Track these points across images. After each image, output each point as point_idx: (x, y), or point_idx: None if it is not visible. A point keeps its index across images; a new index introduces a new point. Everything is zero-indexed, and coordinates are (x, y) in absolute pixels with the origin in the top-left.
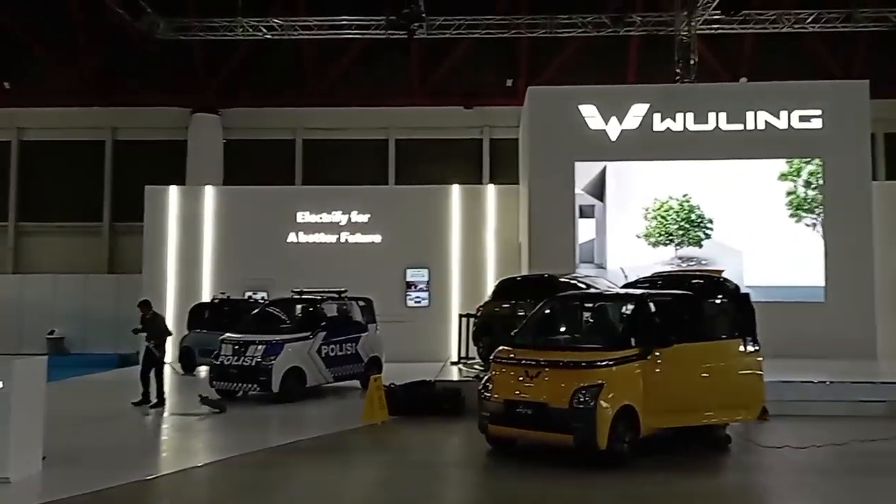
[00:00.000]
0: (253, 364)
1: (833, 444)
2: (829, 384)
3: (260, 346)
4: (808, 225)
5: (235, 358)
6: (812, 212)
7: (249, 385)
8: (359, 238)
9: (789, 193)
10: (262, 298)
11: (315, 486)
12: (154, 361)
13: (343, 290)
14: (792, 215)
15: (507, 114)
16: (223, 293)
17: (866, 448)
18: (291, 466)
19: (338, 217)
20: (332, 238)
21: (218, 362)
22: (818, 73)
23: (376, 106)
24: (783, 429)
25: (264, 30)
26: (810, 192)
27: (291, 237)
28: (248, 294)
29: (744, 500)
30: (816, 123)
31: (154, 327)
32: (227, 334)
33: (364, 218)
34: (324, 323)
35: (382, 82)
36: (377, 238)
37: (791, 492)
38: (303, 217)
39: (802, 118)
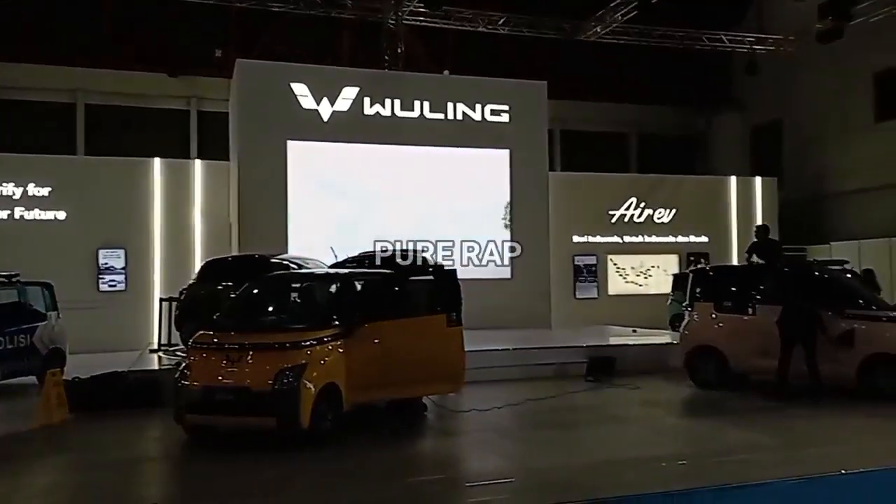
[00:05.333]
0: None
1: (510, 404)
2: (511, 351)
3: None
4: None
5: None
6: None
7: None
8: (37, 215)
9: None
10: None
11: None
12: None
13: (15, 273)
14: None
15: (217, 85)
16: None
17: (538, 406)
18: None
19: (10, 190)
20: (2, 214)
21: None
22: (508, 71)
23: (61, 64)
24: (471, 394)
25: None
26: None
27: None
28: None
29: (438, 461)
30: (504, 118)
31: None
32: None
33: (44, 192)
34: None
35: (69, 38)
36: (61, 215)
37: (476, 449)
38: None
39: (493, 112)
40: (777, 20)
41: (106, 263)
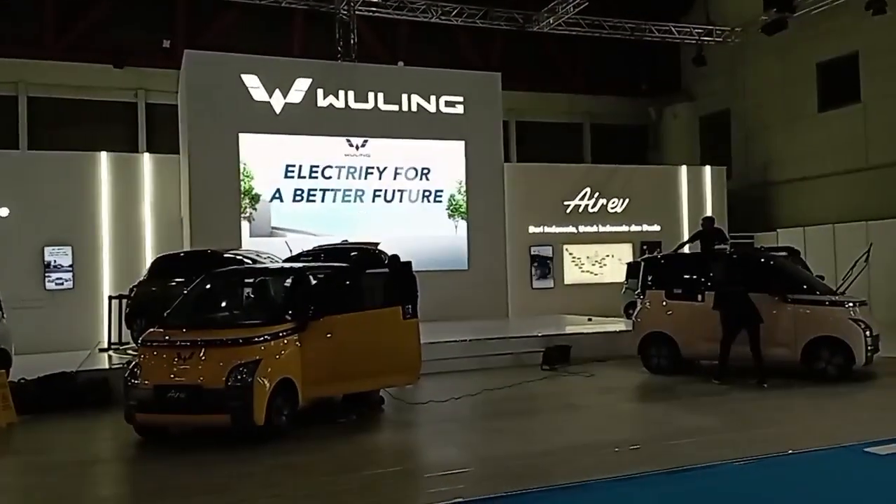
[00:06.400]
0: None
1: (468, 395)
2: (468, 342)
3: None
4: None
5: None
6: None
7: None
8: None
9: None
10: None
11: None
12: None
13: None
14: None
15: (165, 77)
16: None
17: (495, 395)
18: None
19: None
20: None
21: None
22: (462, 63)
23: (1, 55)
24: (429, 386)
25: None
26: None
27: None
28: None
29: (395, 453)
30: (459, 109)
31: None
32: None
33: None
34: None
35: (10, 28)
36: (3, 212)
37: (434, 440)
38: None
39: (448, 103)
40: (724, 12)
41: (53, 261)
